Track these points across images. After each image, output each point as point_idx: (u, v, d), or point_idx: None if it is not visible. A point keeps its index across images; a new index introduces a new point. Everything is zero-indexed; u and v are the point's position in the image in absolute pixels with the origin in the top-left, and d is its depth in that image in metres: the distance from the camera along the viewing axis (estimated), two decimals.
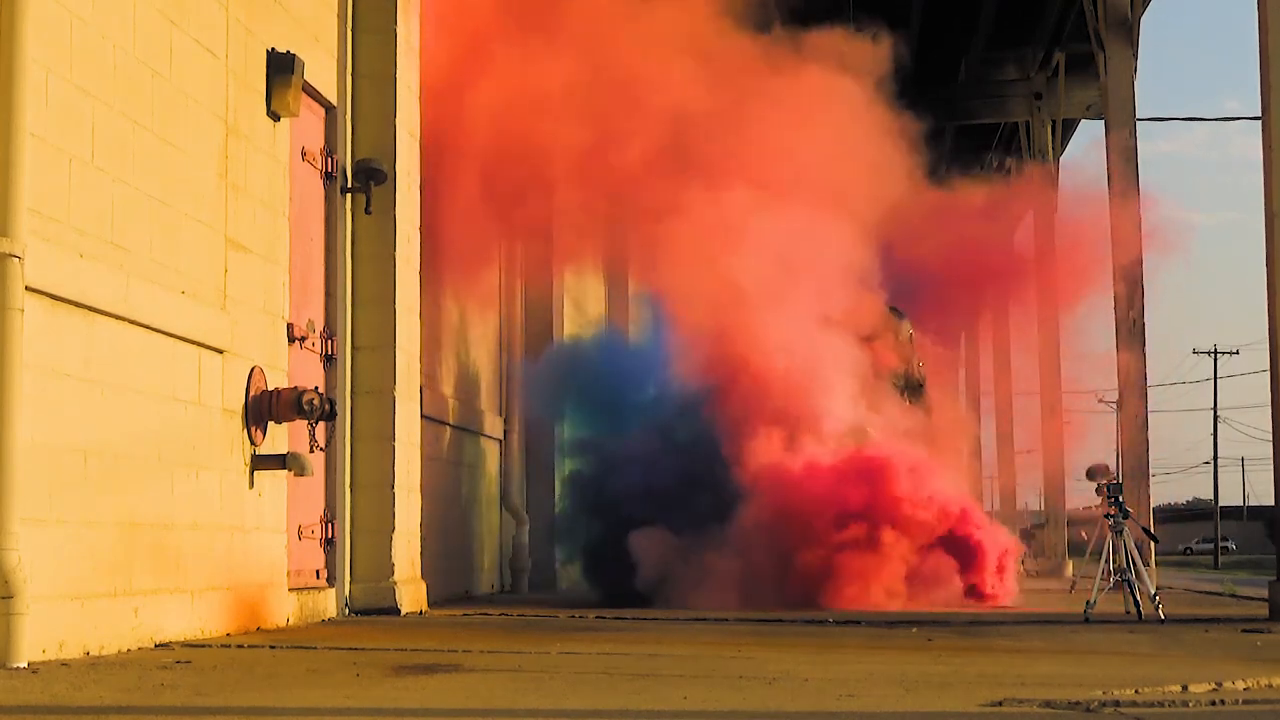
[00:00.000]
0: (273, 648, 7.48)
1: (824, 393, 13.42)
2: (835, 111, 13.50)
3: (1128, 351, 17.59)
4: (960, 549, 13.15)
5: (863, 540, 12.75)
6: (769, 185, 13.46)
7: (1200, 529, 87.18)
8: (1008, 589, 13.44)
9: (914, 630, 9.51)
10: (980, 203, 22.34)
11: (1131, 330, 17.54)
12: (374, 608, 10.20)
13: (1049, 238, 23.90)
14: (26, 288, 6.25)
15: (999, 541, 13.47)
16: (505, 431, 15.84)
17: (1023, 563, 20.13)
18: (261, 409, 8.75)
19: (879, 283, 14.43)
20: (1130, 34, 18.03)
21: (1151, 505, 17.63)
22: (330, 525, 10.05)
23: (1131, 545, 11.01)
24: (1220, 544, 79.36)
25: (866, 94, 13.66)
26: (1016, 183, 23.60)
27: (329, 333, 10.18)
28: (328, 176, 10.25)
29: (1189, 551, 78.37)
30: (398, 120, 10.61)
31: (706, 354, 13.56)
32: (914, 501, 13.00)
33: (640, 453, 13.44)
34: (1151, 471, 17.71)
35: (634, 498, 13.10)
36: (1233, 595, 17.28)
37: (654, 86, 13.12)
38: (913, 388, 15.24)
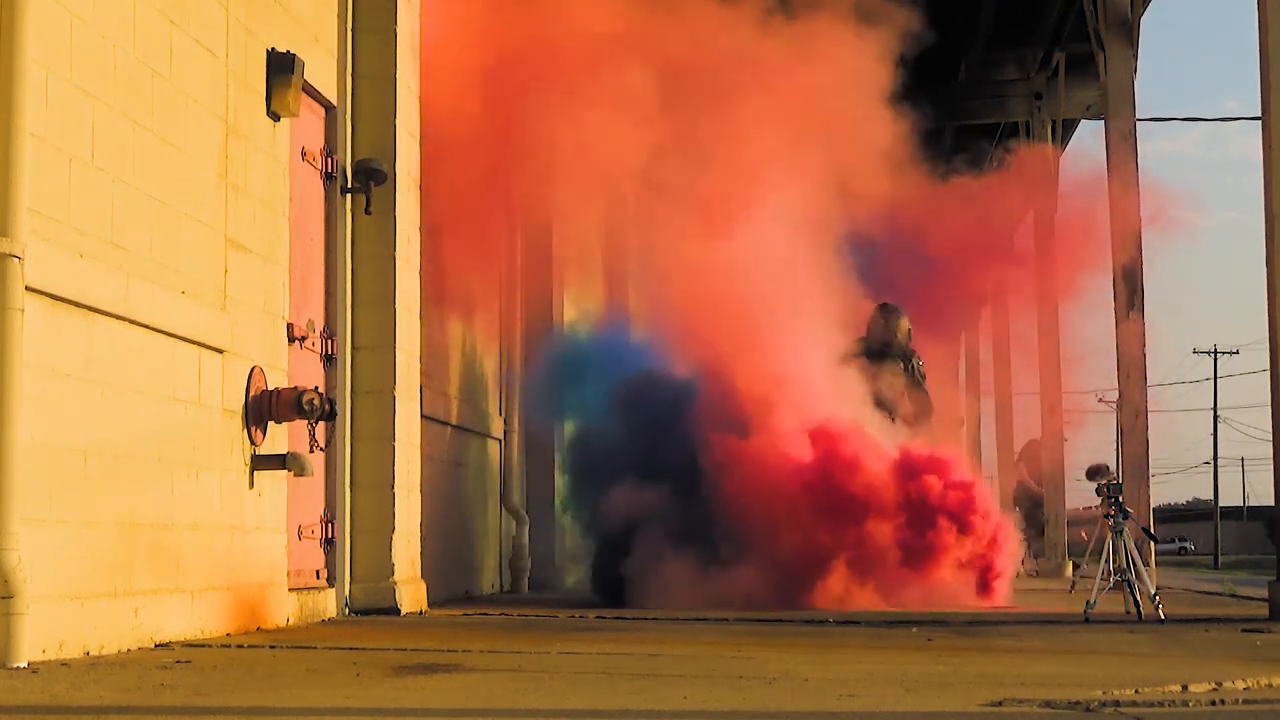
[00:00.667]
0: (273, 648, 7.48)
1: (802, 383, 13.30)
2: (836, 67, 13.40)
3: (1127, 351, 17.59)
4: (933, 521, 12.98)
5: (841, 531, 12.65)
6: (759, 152, 13.32)
7: (1186, 529, 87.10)
8: (998, 576, 13.20)
9: (914, 630, 9.51)
10: (980, 191, 22.29)
11: (1131, 330, 17.54)
12: (374, 608, 10.20)
13: (1049, 228, 23.87)
14: (26, 288, 6.25)
15: (984, 514, 13.18)
16: (505, 431, 15.85)
17: (1022, 562, 20.09)
18: (261, 409, 8.75)
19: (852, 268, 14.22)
20: (1130, 34, 18.01)
21: (1151, 505, 17.62)
22: (330, 525, 10.06)
23: (1131, 545, 11.01)
24: (1180, 544, 78.98)
25: (873, 55, 13.56)
26: (1016, 167, 23.48)
27: (329, 333, 10.19)
28: (328, 176, 10.25)
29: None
30: (398, 120, 10.61)
31: (683, 340, 13.49)
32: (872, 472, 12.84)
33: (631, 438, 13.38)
34: (1151, 471, 17.69)
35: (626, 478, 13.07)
36: (1233, 595, 17.28)
37: (638, 42, 13.07)
38: (912, 384, 15.19)
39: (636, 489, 12.89)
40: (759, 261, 13.24)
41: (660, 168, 13.24)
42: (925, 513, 12.85)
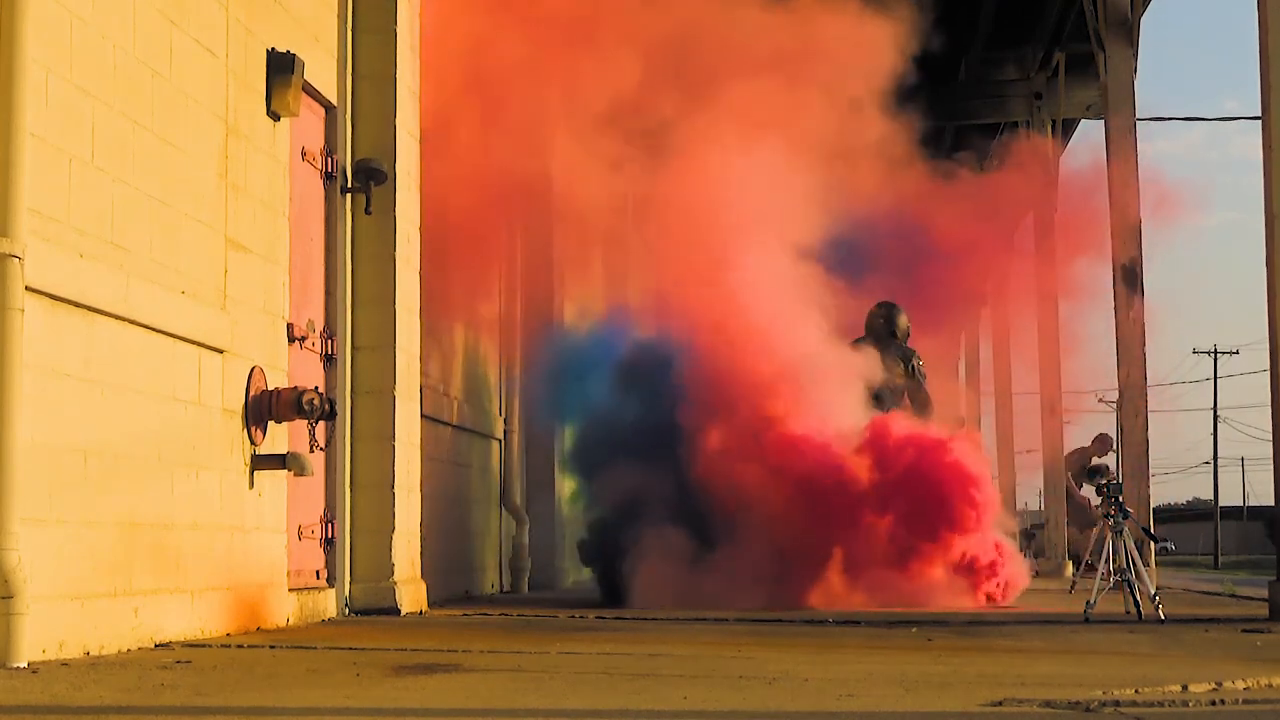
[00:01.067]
0: (273, 648, 7.48)
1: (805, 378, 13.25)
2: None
3: (1127, 351, 17.58)
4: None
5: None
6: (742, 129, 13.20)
7: (1187, 529, 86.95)
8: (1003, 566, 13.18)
9: (914, 630, 9.51)
10: (980, 188, 22.25)
11: (1131, 329, 17.53)
12: (374, 608, 10.21)
13: (1048, 225, 23.84)
14: (26, 288, 6.25)
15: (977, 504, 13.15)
16: (505, 431, 15.84)
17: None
18: (261, 409, 8.75)
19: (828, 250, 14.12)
20: (1130, 34, 18.01)
21: (1151, 505, 17.61)
22: (330, 525, 10.06)
23: (1131, 545, 11.01)
24: (1162, 543, 79.02)
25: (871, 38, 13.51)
26: (1016, 160, 23.37)
27: (329, 333, 10.19)
28: (328, 176, 10.25)
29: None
30: (398, 120, 10.62)
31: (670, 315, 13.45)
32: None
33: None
34: (1151, 471, 17.69)
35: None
36: (1233, 595, 17.28)
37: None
38: (912, 383, 15.17)
39: (634, 467, 12.88)
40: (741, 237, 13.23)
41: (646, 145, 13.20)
42: (909, 495, 12.82)
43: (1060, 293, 23.77)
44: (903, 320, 15.40)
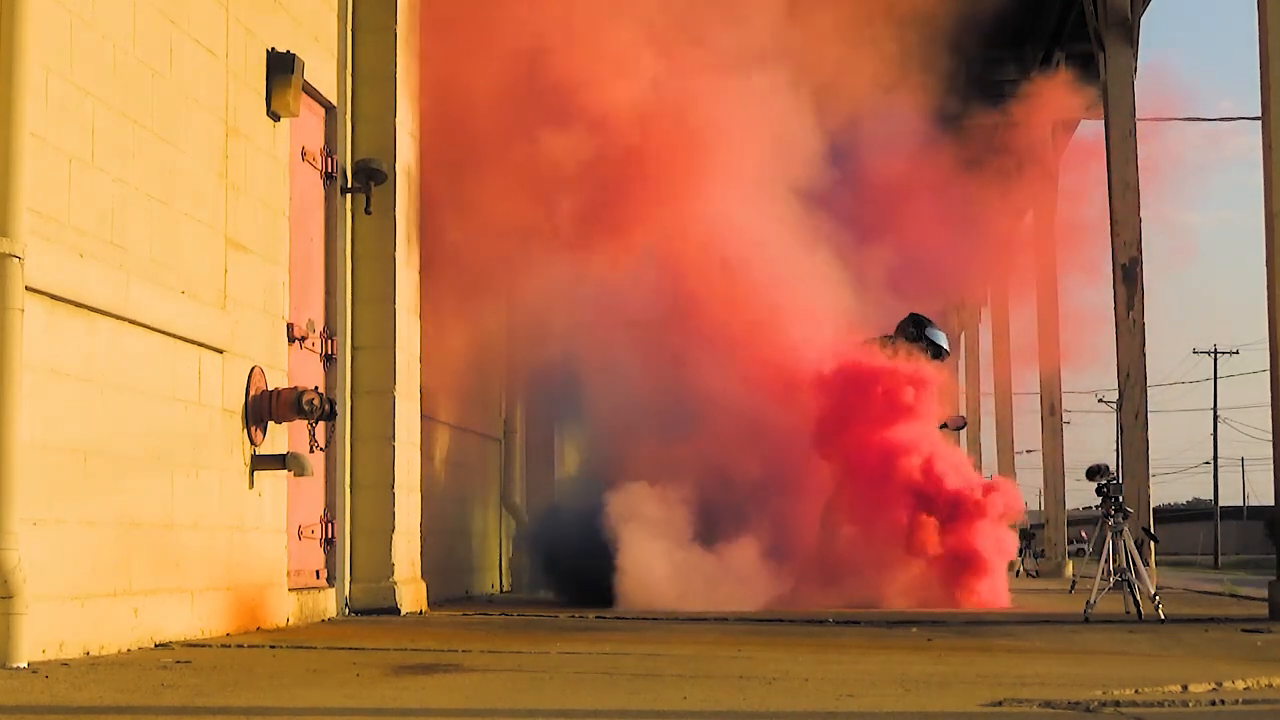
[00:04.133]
0: (273, 648, 7.48)
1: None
2: None
3: (1127, 352, 17.59)
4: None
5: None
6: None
7: (1187, 529, 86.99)
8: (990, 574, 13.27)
9: (914, 630, 9.52)
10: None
11: (1131, 330, 17.54)
12: (374, 608, 10.21)
13: (1049, 220, 23.84)
14: (26, 288, 6.25)
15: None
16: (505, 431, 15.84)
17: (1022, 563, 20.01)
18: (261, 409, 8.75)
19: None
20: (1130, 34, 18.03)
21: (1151, 505, 17.63)
22: (330, 525, 10.06)
23: (1131, 545, 11.01)
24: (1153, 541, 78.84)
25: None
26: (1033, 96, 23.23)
27: (329, 332, 10.19)
28: (328, 176, 10.25)
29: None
30: (398, 120, 10.62)
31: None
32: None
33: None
34: (1151, 471, 17.70)
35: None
36: (1233, 595, 17.29)
37: None
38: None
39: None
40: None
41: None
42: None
43: (1060, 291, 23.79)
44: (930, 332, 15.36)
